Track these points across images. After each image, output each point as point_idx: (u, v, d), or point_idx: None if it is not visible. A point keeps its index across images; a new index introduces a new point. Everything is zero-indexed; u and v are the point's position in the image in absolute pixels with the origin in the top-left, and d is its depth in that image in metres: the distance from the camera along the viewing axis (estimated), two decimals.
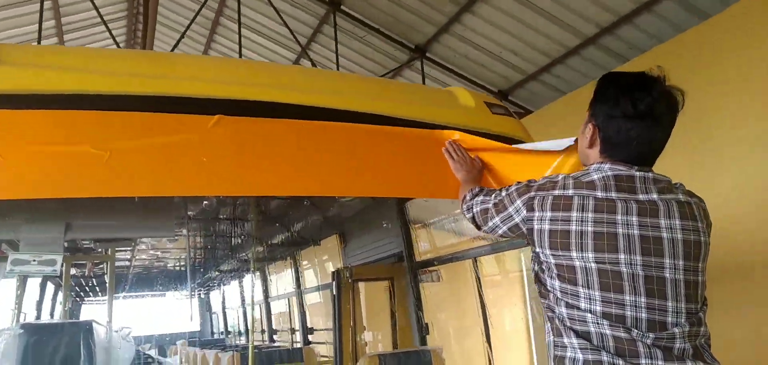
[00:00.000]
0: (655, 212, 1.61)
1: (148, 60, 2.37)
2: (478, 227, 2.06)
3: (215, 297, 14.62)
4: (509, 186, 1.89)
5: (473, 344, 3.88)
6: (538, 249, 1.72)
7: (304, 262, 6.54)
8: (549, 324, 1.71)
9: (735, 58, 4.99)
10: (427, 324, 3.74)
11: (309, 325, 6.39)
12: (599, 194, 1.63)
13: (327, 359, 5.15)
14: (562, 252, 1.63)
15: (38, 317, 6.40)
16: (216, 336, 13.72)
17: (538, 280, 1.77)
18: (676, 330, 1.55)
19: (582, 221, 1.61)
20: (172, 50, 8.58)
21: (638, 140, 1.67)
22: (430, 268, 4.02)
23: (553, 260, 1.66)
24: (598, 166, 1.69)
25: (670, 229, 1.60)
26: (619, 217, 1.59)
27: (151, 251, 8.20)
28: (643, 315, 1.54)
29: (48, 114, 1.77)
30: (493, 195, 1.97)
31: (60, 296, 8.28)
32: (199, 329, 15.92)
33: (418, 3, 7.94)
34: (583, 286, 1.59)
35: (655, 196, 1.64)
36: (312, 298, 6.59)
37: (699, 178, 5.11)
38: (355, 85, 2.65)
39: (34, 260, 2.28)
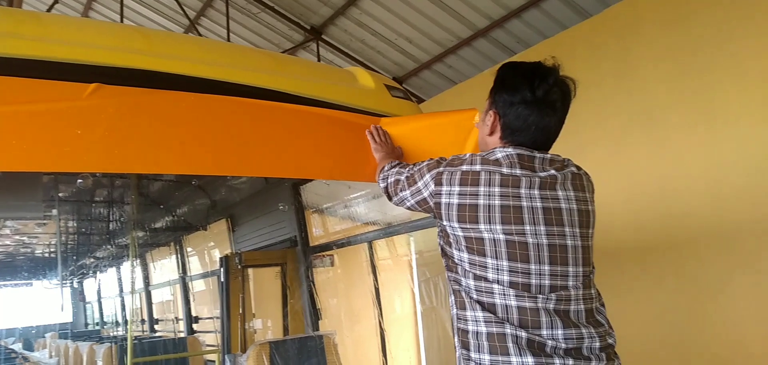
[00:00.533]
0: (554, 185, 1.72)
1: (15, 19, 2.09)
2: (389, 198, 2.11)
3: (90, 285, 13.61)
4: (421, 162, 1.95)
5: (365, 328, 3.88)
6: (445, 223, 1.76)
7: (190, 248, 6.23)
8: (454, 298, 1.77)
9: (610, 56, 5.36)
10: (319, 309, 3.69)
11: (194, 314, 6.10)
12: (505, 170, 1.70)
13: (214, 348, 4.93)
14: (470, 225, 1.69)
15: None
16: (90, 328, 12.80)
17: (445, 254, 1.82)
18: (573, 292, 1.67)
19: (489, 195, 1.68)
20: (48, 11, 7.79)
21: (536, 126, 1.77)
22: (324, 253, 3.96)
23: (461, 234, 1.71)
24: (502, 148, 1.78)
25: (567, 200, 1.72)
26: (523, 191, 1.68)
27: (16, 236, 7.44)
28: (547, 281, 1.65)
29: None
30: (406, 169, 2.03)
31: None
32: (71, 320, 14.79)
33: None
34: (491, 257, 1.66)
35: (552, 171, 1.75)
36: (199, 286, 6.30)
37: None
38: (251, 58, 2.50)
39: None
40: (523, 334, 1.60)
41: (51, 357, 7.96)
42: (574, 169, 1.82)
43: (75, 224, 6.16)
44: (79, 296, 14.57)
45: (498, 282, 1.65)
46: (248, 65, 2.28)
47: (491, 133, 1.85)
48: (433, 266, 4.61)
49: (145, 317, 8.31)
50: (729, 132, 4.38)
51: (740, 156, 4.26)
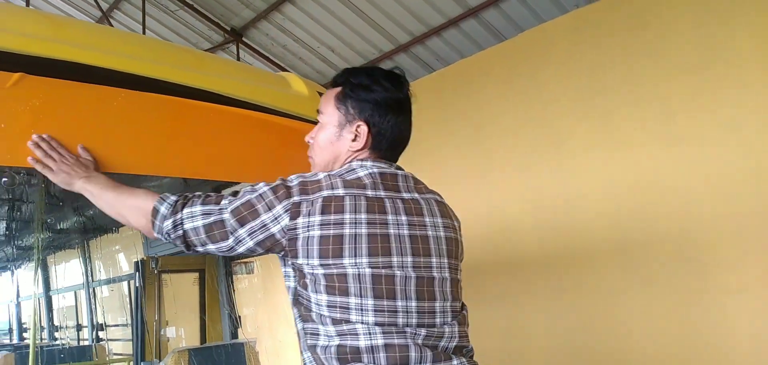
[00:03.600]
0: (420, 210, 1.58)
1: None
2: (192, 247, 1.62)
3: None
4: (254, 187, 1.57)
5: (286, 335, 3.87)
6: (302, 261, 1.48)
7: (98, 251, 5.93)
8: (309, 354, 1.53)
9: (525, 76, 5.68)
10: (239, 316, 3.64)
11: (101, 321, 5.81)
12: (369, 193, 1.52)
13: (122, 357, 4.72)
14: (333, 260, 1.45)
15: None
16: None
17: (298, 300, 1.55)
18: (439, 330, 1.52)
19: (356, 223, 1.47)
20: None
21: (400, 134, 1.65)
22: (244, 259, 3.92)
23: (321, 271, 1.46)
24: (361, 163, 1.59)
25: (434, 227, 1.59)
26: (390, 217, 1.51)
27: None
28: (414, 319, 1.48)
29: None
30: (221, 202, 1.57)
31: None
32: None
33: None
34: (355, 295, 1.45)
35: (416, 194, 1.61)
36: (106, 291, 6.00)
37: (477, 186, 5.77)
38: (181, 56, 2.48)
39: None
40: None
41: None
42: (437, 196, 1.70)
43: None
44: None
45: (362, 323, 1.44)
46: (178, 62, 2.26)
47: (362, 147, 1.62)
48: None
49: (45, 324, 7.80)
50: (626, 153, 4.75)
51: (637, 176, 4.64)
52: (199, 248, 1.61)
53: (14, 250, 5.44)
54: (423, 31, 7.29)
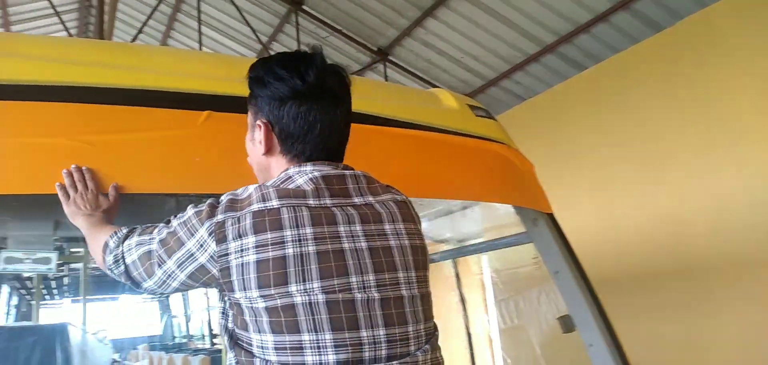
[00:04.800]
0: (378, 216, 1.30)
1: (130, 52, 2.29)
2: (136, 284, 1.44)
3: (175, 301, 14.29)
4: (181, 213, 1.34)
5: (448, 346, 3.92)
6: (238, 294, 1.20)
7: None
8: None
9: (689, 67, 5.24)
10: None
11: None
12: (312, 202, 1.25)
13: None
14: (276, 289, 1.16)
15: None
16: (177, 340, 13.30)
17: (236, 343, 1.25)
18: (419, 356, 1.26)
19: (300, 241, 1.19)
20: (142, 27, 8.34)
21: (322, 124, 1.32)
22: None
23: (262, 305, 1.17)
24: (299, 169, 1.31)
25: (397, 235, 1.30)
26: (341, 228, 1.24)
27: None
28: (383, 351, 1.20)
29: (22, 105, 1.68)
30: (155, 231, 1.38)
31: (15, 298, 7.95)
32: (161, 333, 15.58)
33: (381, 6, 7.99)
34: (308, 331, 1.16)
35: (370, 198, 1.33)
36: None
37: (645, 188, 5.38)
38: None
39: (28, 259, 2.15)
40: None
41: None
42: (397, 196, 1.40)
43: None
44: (166, 310, 15.31)
45: (320, 360, 1.15)
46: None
47: (268, 150, 1.36)
48: (510, 284, 4.61)
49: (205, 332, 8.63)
50: None
51: None
52: (145, 285, 1.41)
53: None
54: (569, 29, 7.03)
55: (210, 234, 1.23)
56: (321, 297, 1.16)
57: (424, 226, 3.94)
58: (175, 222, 1.33)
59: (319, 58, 1.35)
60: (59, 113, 1.71)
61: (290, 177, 1.29)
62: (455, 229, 3.75)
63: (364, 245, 1.24)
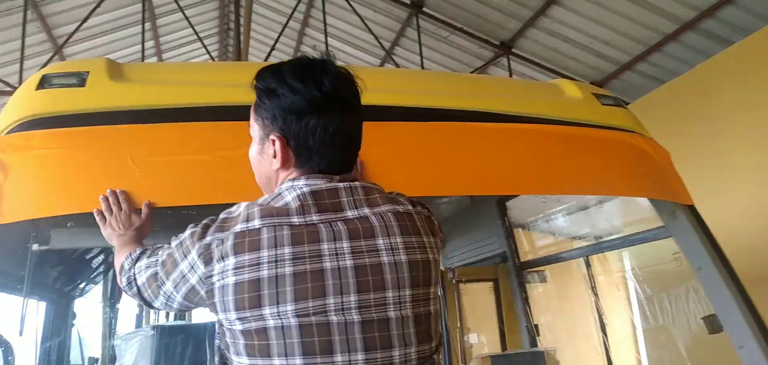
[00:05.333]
0: (370, 231, 1.23)
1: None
2: (149, 305, 1.47)
3: None
4: (181, 233, 1.33)
5: (585, 346, 3.76)
6: (220, 315, 1.20)
7: None
8: None
9: None
10: (536, 325, 3.69)
11: None
12: (296, 220, 1.21)
13: None
14: (250, 312, 1.15)
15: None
16: None
17: (223, 363, 1.26)
18: None
19: (276, 262, 1.16)
20: (265, 61, 8.94)
21: (340, 135, 1.28)
22: (536, 268, 3.96)
23: (239, 327, 1.17)
24: (291, 184, 1.27)
25: (391, 250, 1.22)
26: (324, 246, 1.19)
27: None
28: None
29: (175, 127, 1.89)
30: (161, 252, 1.39)
31: None
32: None
33: None
34: (278, 355, 1.13)
35: (366, 210, 1.26)
36: None
37: None
38: (459, 83, 2.65)
39: None
40: None
41: None
42: (399, 207, 1.29)
43: None
44: None
45: None
46: (458, 90, 2.42)
47: (284, 164, 1.30)
48: (653, 282, 4.33)
49: None
50: None
51: None
52: (155, 305, 1.43)
53: None
54: (711, 2, 6.41)
55: (199, 256, 1.23)
56: (293, 321, 1.13)
57: (557, 223, 3.82)
58: (173, 243, 1.33)
59: (332, 65, 1.30)
60: (200, 131, 1.91)
61: (280, 194, 1.26)
62: (590, 225, 3.61)
63: (349, 263, 1.18)
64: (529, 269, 3.92)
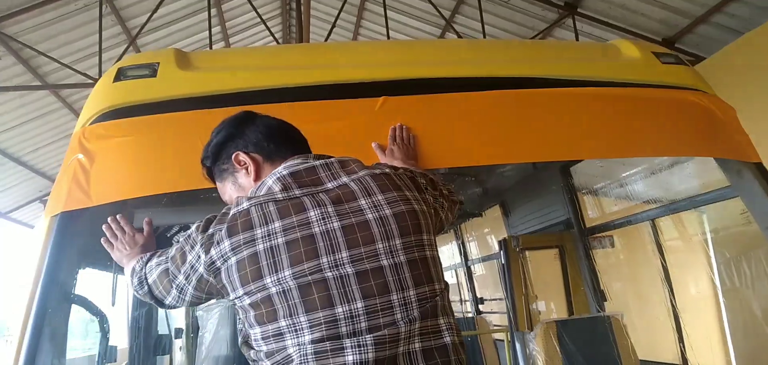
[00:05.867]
0: (351, 194, 1.34)
1: (324, 51, 2.56)
2: (160, 303, 1.56)
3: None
4: (186, 231, 1.45)
5: (654, 311, 3.68)
6: (232, 296, 1.32)
7: (468, 234, 6.66)
8: None
9: None
10: (603, 290, 3.64)
11: (479, 296, 6.51)
12: (280, 197, 1.33)
13: (499, 327, 5.20)
14: (254, 284, 1.26)
15: None
16: None
17: (246, 342, 1.35)
18: (404, 328, 1.25)
19: (269, 235, 1.27)
20: (326, 39, 9.07)
21: (273, 129, 1.50)
22: (602, 234, 3.89)
23: (247, 301, 1.28)
24: (271, 173, 1.41)
25: (374, 207, 1.33)
26: (311, 214, 1.30)
27: None
28: (363, 323, 1.22)
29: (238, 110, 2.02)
30: (170, 250, 1.50)
31: None
32: None
33: None
34: (284, 317, 1.23)
35: (344, 179, 1.38)
36: (479, 269, 6.69)
37: None
38: (512, 51, 2.64)
39: None
40: None
41: None
42: (376, 170, 1.43)
43: None
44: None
45: (299, 346, 1.22)
46: (515, 57, 2.42)
47: (257, 176, 1.47)
48: (733, 245, 4.14)
49: None
50: None
51: None
52: (166, 302, 1.53)
53: None
54: None
55: (201, 246, 1.34)
56: (292, 284, 1.23)
57: (622, 187, 3.71)
58: (181, 238, 1.43)
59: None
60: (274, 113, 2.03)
61: (263, 184, 1.39)
62: (658, 187, 3.50)
63: (336, 224, 1.29)
64: (595, 235, 3.86)
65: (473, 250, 6.51)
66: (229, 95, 2.04)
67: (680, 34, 8.00)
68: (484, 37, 8.74)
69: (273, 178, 1.37)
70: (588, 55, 2.54)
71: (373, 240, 1.28)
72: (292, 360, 1.21)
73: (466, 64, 2.26)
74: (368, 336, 1.21)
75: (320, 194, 1.34)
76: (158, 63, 2.11)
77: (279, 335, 1.24)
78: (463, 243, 6.64)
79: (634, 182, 3.64)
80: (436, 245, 1.40)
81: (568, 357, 3.01)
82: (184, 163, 1.86)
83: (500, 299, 5.35)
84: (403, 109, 2.04)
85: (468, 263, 6.62)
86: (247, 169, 1.47)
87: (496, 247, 4.57)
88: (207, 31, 8.58)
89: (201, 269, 1.36)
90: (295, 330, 1.22)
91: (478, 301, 6.50)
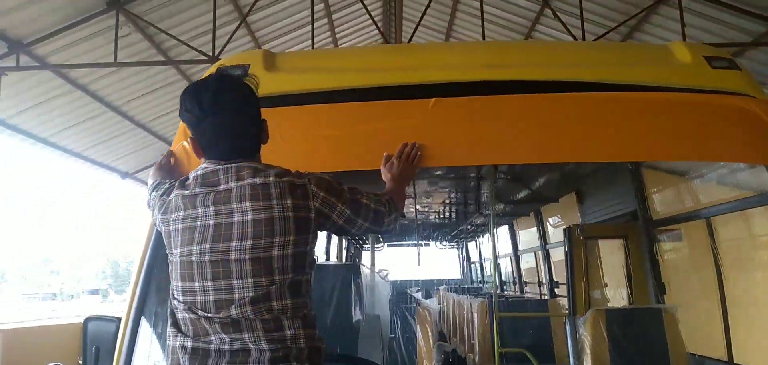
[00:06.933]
0: (229, 198, 1.70)
1: (392, 53, 2.82)
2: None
3: (473, 248, 15.66)
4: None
5: (711, 307, 3.63)
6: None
7: (547, 218, 6.71)
8: None
9: None
10: (663, 283, 3.65)
11: (554, 279, 6.56)
12: (187, 192, 1.77)
13: (565, 311, 5.28)
14: (168, 250, 1.79)
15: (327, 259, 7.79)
16: (475, 285, 14.60)
17: None
18: (243, 305, 1.65)
19: (174, 220, 1.76)
20: (419, 21, 9.26)
21: (215, 135, 1.77)
22: (668, 227, 3.88)
23: (169, 259, 1.80)
24: (199, 166, 1.81)
25: (241, 212, 1.69)
26: (199, 210, 1.72)
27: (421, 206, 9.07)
28: (211, 297, 1.68)
29: (312, 108, 2.33)
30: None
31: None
32: (461, 277, 17.28)
33: None
34: (175, 279, 1.75)
35: (232, 184, 1.72)
36: (558, 254, 6.71)
37: None
38: (565, 54, 2.76)
39: None
40: (194, 343, 1.68)
41: (438, 304, 9.62)
42: (258, 179, 1.73)
43: (457, 196, 7.19)
44: (465, 256, 16.91)
45: (178, 301, 1.73)
46: (567, 60, 2.56)
47: (198, 154, 1.84)
48: None
49: (515, 279, 9.26)
50: None
51: None
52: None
53: (483, 217, 6.74)
54: None
55: (155, 203, 1.90)
56: (177, 260, 1.74)
57: (689, 184, 3.67)
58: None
59: (214, 81, 1.83)
60: (333, 112, 2.35)
61: (188, 176, 1.83)
62: (726, 186, 3.43)
63: (212, 222, 1.70)
64: (660, 228, 3.87)
65: (552, 235, 6.57)
66: (306, 94, 2.37)
67: None
68: (582, 17, 8.54)
69: (194, 173, 1.81)
70: (638, 59, 2.60)
71: (230, 238, 1.69)
72: (176, 310, 1.74)
73: (517, 67, 2.42)
74: (213, 305, 1.68)
75: (211, 193, 1.74)
76: (249, 64, 2.47)
77: (174, 290, 1.77)
78: (543, 228, 6.72)
79: (703, 180, 3.62)
80: (295, 244, 1.73)
81: (614, 344, 3.11)
82: (266, 153, 2.24)
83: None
84: (452, 109, 2.27)
85: (547, 247, 6.70)
86: (191, 150, 1.91)
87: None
88: (311, 8, 9.09)
89: (157, 224, 1.89)
90: (178, 291, 1.74)
91: (553, 284, 6.57)
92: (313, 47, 9.19)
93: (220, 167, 1.78)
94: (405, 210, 11.71)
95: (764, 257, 3.73)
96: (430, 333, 3.90)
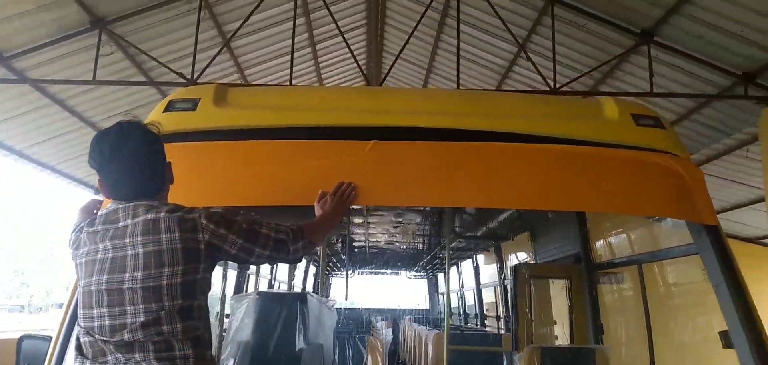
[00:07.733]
0: (123, 234, 1.89)
1: (334, 95, 2.97)
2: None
3: (442, 279, 15.83)
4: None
5: (642, 349, 3.75)
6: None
7: (506, 255, 6.85)
8: None
9: None
10: (601, 323, 3.78)
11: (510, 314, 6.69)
12: (92, 229, 1.96)
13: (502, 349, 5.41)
14: (78, 283, 1.97)
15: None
16: (441, 316, 14.72)
17: None
18: (135, 329, 1.82)
19: (83, 254, 1.95)
20: (398, 56, 9.47)
21: (109, 180, 1.98)
22: (607, 270, 4.02)
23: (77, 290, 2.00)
24: (105, 206, 2.02)
25: (133, 246, 1.87)
26: (99, 245, 1.91)
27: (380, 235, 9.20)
28: (107, 322, 1.85)
29: (255, 144, 2.47)
30: None
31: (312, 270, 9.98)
32: (428, 308, 17.40)
33: None
34: (80, 308, 1.92)
35: (129, 221, 1.91)
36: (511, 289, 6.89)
37: None
38: (500, 104, 2.92)
39: None
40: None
41: (402, 333, 9.80)
42: (150, 215, 1.90)
43: (422, 229, 7.33)
44: (433, 287, 17.07)
45: (80, 326, 1.91)
46: (500, 111, 2.71)
47: (106, 196, 2.04)
48: None
49: (477, 313, 9.40)
50: None
51: None
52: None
53: (443, 253, 6.87)
54: None
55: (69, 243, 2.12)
56: (81, 289, 1.92)
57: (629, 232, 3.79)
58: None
59: (112, 131, 1.98)
60: (277, 148, 2.48)
61: (96, 215, 2.02)
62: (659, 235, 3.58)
63: (109, 255, 1.88)
64: (600, 271, 4.01)
65: (509, 272, 6.72)
66: (252, 129, 2.50)
67: (762, 69, 7.76)
68: (554, 59, 8.78)
69: (102, 212, 1.99)
70: (570, 113, 2.76)
71: (124, 270, 1.87)
72: (79, 333, 1.91)
73: (453, 116, 2.56)
74: (108, 329, 1.85)
75: (110, 230, 1.93)
76: (199, 99, 2.60)
77: (78, 318, 1.94)
78: (501, 264, 6.85)
79: (641, 228, 3.77)
80: (184, 273, 1.89)
81: None
82: (213, 183, 2.35)
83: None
84: (387, 153, 2.41)
85: (504, 283, 6.83)
86: (97, 191, 2.11)
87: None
88: (297, 36, 9.24)
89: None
90: (80, 317, 1.91)
91: (508, 319, 6.70)
92: (291, 76, 9.32)
93: (120, 206, 1.96)
94: (375, 241, 11.89)
95: (687, 302, 3.87)
96: (379, 362, 3.98)
